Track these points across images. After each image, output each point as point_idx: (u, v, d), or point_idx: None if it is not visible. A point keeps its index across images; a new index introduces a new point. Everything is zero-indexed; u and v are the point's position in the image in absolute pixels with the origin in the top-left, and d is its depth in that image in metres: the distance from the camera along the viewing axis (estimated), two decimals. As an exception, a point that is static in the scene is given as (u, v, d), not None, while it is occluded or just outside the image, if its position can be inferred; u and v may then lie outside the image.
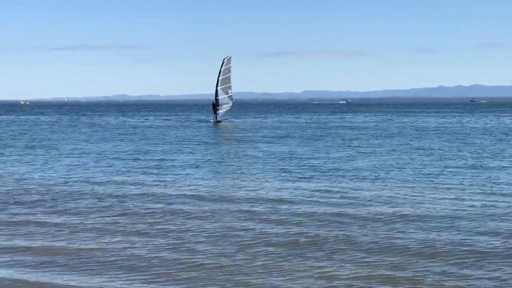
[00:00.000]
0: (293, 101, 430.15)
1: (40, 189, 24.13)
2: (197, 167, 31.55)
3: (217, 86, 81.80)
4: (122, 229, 17.23)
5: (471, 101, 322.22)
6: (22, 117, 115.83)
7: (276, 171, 29.38)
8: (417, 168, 30.30)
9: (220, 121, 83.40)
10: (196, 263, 13.88)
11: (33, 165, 32.72)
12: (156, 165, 32.41)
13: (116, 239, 16.05)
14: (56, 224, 17.78)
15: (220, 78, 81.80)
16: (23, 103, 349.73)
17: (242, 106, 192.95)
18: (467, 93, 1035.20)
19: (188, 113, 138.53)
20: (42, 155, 37.99)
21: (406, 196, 22.08)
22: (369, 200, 21.36)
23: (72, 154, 38.60)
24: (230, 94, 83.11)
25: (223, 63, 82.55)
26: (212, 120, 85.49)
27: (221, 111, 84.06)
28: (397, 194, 22.61)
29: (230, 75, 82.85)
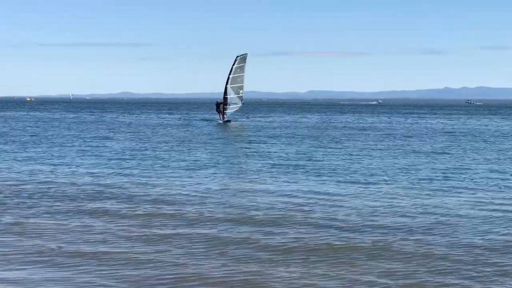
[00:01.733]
0: (319, 101, 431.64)
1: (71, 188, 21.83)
2: (214, 167, 30.24)
3: (226, 84, 77.80)
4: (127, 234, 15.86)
5: (466, 102, 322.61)
6: (44, 114, 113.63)
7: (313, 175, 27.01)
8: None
9: (230, 121, 79.46)
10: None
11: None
12: (166, 165, 31.03)
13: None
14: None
15: (231, 76, 77.90)
16: (28, 99, 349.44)
17: (264, 106, 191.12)
18: (473, 95, 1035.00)
19: (195, 112, 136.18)
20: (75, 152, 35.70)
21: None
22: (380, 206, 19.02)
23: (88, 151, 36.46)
24: (240, 95, 79.35)
25: (235, 61, 78.51)
26: (220, 120, 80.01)
27: (229, 110, 79.83)
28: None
29: (243, 75, 78.95)
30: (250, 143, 46.47)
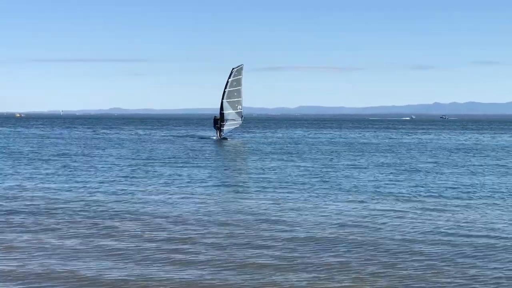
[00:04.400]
0: (348, 116, 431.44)
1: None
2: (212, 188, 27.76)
3: (222, 98, 71.94)
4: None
5: (441, 117, 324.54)
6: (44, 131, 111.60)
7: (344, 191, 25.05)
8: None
9: (226, 138, 72.83)
10: None
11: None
12: (165, 182, 28.90)
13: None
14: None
15: (226, 90, 72.10)
16: (18, 115, 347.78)
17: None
18: (463, 110, 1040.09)
19: (187, 128, 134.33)
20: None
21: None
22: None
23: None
24: (239, 110, 72.93)
25: (231, 73, 72.76)
26: (215, 137, 74.06)
27: (226, 127, 73.06)
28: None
29: (240, 88, 73.08)
30: (253, 161, 44.53)
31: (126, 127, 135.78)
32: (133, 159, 43.45)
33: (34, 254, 14.91)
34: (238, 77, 73.13)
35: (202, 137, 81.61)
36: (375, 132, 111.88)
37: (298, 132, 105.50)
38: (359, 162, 41.81)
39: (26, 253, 15.06)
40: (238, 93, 72.94)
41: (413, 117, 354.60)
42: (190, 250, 15.51)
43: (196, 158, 44.38)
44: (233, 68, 73.25)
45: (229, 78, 72.55)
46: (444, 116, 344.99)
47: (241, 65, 73.83)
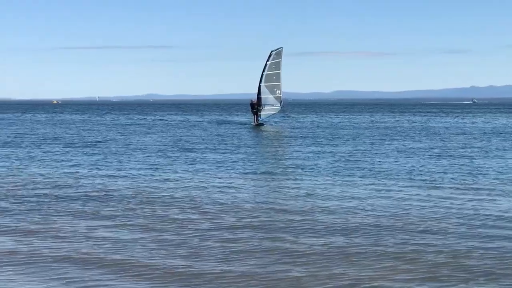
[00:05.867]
0: (404, 100, 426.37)
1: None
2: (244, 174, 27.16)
3: (260, 82, 69.22)
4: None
5: (471, 101, 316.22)
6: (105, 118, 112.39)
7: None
8: None
9: (263, 124, 69.74)
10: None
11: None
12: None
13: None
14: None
15: (264, 74, 69.24)
16: (55, 102, 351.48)
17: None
18: (500, 93, 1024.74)
19: (223, 113, 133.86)
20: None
21: None
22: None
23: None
24: (278, 95, 70.00)
25: (270, 56, 69.75)
26: (252, 123, 71.50)
27: (263, 112, 70.22)
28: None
29: (279, 72, 70.03)
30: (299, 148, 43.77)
31: (162, 113, 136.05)
32: (171, 145, 43.21)
33: (91, 243, 14.63)
34: (277, 60, 70.28)
35: (238, 123, 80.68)
36: (448, 116, 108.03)
37: (341, 116, 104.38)
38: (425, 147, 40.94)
39: (83, 241, 14.81)
40: (277, 77, 70.25)
41: (475, 100, 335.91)
42: (249, 238, 15.10)
43: (234, 144, 43.92)
44: (272, 51, 70.51)
45: (267, 61, 69.72)
46: (474, 100, 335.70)
47: (281, 47, 71.01)
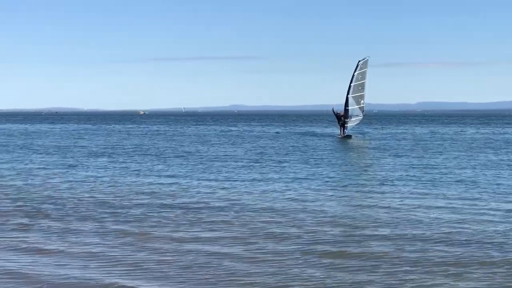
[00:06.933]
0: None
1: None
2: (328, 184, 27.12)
3: (348, 93, 69.32)
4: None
5: None
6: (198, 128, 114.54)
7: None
8: None
9: (350, 136, 69.69)
10: None
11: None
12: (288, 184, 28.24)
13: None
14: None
15: (352, 85, 69.56)
16: (142, 113, 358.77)
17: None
18: None
19: (306, 124, 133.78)
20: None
21: None
22: None
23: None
24: (362, 105, 70.56)
25: (357, 66, 70.26)
26: (339, 135, 70.94)
27: (350, 124, 69.74)
28: None
29: (364, 82, 70.59)
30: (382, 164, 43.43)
31: (245, 123, 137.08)
32: (259, 156, 43.50)
33: (192, 255, 14.96)
34: (364, 70, 70.69)
35: (323, 134, 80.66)
36: None
37: (426, 127, 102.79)
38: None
39: (184, 254, 15.13)
40: (362, 87, 70.56)
41: None
42: (348, 252, 15.12)
43: (320, 156, 43.91)
44: (359, 61, 70.78)
45: (354, 71, 69.97)
46: None
47: (367, 57, 71.45)
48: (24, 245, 15.74)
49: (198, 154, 45.88)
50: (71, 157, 42.97)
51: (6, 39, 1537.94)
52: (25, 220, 19.11)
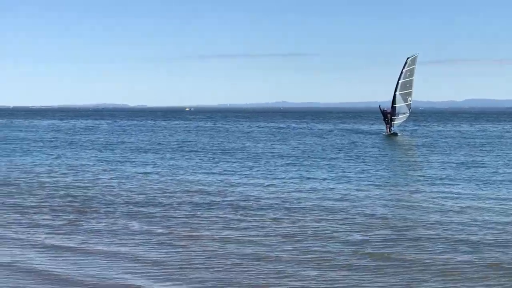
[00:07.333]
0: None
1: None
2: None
3: (395, 91, 68.35)
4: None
5: None
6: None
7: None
8: None
9: (396, 134, 68.78)
10: None
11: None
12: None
13: None
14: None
15: (400, 82, 68.51)
16: (188, 109, 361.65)
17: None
18: None
19: (352, 121, 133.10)
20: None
21: None
22: None
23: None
24: (409, 102, 69.67)
25: (405, 63, 69.32)
26: (385, 133, 70.07)
27: (396, 121, 69.52)
28: None
29: (412, 79, 69.63)
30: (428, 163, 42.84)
31: (291, 120, 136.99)
32: (306, 153, 43.39)
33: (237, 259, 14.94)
34: (412, 67, 69.75)
35: (370, 132, 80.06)
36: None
37: (474, 125, 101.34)
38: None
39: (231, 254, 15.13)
40: (410, 84, 69.56)
41: None
42: (399, 252, 14.94)
43: (367, 154, 43.63)
44: (407, 58, 69.82)
45: (403, 68, 69.02)
46: None
47: (416, 54, 70.49)
48: (71, 244, 15.65)
49: (245, 151, 45.96)
50: (120, 153, 43.45)
51: (59, 39, 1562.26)
52: (73, 216, 19.39)
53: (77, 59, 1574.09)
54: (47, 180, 28.31)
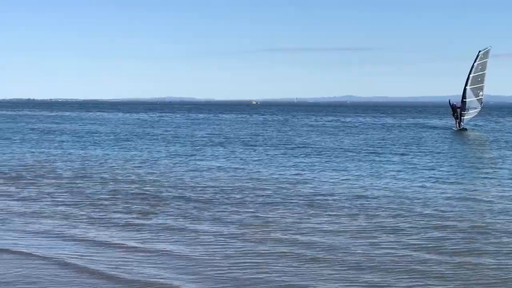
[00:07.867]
0: None
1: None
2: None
3: (466, 85, 66.68)
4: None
5: None
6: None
7: None
8: None
9: (466, 129, 67.11)
10: None
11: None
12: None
13: None
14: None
15: (471, 76, 66.70)
16: (254, 103, 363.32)
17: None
18: None
19: (420, 116, 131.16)
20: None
21: None
22: None
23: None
24: (480, 97, 67.59)
25: (477, 57, 67.26)
26: (455, 128, 68.87)
27: (466, 116, 67.92)
28: None
29: (484, 73, 67.48)
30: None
31: (359, 114, 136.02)
32: (373, 147, 43.03)
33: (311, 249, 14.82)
34: (484, 60, 67.66)
35: (440, 127, 78.73)
36: None
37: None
38: None
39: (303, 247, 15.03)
40: (482, 78, 67.56)
41: None
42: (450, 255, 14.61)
43: (438, 149, 42.89)
44: (479, 51, 67.83)
45: (474, 62, 67.13)
46: None
47: (489, 47, 68.31)
48: (136, 245, 15.10)
49: (315, 145, 45.77)
50: (190, 146, 43.85)
51: (122, 33, 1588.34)
52: (147, 207, 19.65)
53: (144, 55, 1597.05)
54: (120, 172, 28.77)
